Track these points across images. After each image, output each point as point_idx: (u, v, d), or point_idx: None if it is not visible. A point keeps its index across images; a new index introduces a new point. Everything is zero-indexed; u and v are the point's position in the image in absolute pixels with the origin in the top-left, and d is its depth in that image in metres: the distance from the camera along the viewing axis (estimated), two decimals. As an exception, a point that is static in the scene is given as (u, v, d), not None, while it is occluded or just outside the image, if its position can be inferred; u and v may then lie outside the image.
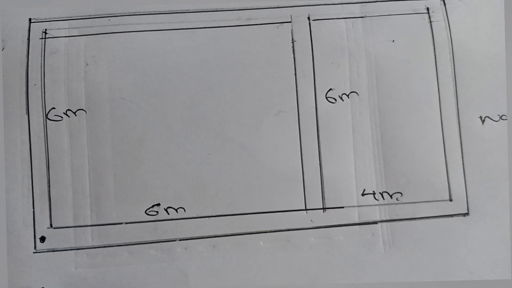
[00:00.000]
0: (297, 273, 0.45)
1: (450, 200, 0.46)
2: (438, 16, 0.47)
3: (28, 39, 0.46)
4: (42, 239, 0.45)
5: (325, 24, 0.47)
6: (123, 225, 0.45)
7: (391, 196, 0.46)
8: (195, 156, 0.46)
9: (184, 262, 0.45)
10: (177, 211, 0.45)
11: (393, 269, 0.45)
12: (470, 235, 0.46)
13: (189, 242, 0.45)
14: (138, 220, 0.45)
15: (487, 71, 0.47)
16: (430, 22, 0.47)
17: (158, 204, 0.45)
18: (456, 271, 0.45)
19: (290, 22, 0.47)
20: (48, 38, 0.46)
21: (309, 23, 0.47)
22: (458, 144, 0.46)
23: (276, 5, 0.47)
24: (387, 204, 0.46)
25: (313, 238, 0.46)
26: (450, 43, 0.47)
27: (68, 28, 0.46)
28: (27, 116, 0.46)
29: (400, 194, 0.46)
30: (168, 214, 0.45)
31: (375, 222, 0.46)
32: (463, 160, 0.46)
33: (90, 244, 0.45)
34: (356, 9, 0.47)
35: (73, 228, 0.45)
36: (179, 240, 0.45)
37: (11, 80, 0.46)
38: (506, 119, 0.46)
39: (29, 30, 0.46)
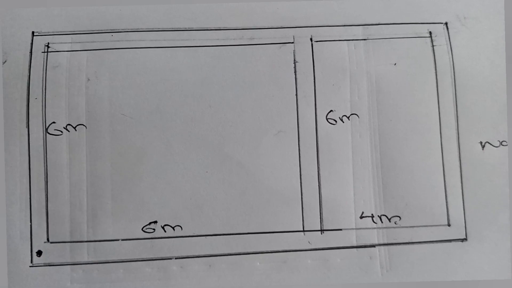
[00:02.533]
0: (293, 294, 0.48)
1: (449, 225, 0.48)
2: (440, 40, 0.50)
3: (31, 52, 0.49)
4: (39, 253, 0.47)
5: (327, 45, 0.50)
6: (119, 241, 0.47)
7: (389, 220, 0.48)
8: (193, 174, 0.48)
9: (179, 280, 0.48)
10: (174, 229, 0.48)
11: (390, 293, 0.48)
12: (468, 261, 0.48)
13: (185, 260, 0.48)
14: (134, 237, 0.48)
15: (488, 96, 0.49)
16: (433, 46, 0.50)
17: (155, 222, 0.48)
18: (452, 296, 0.48)
19: (292, 42, 0.50)
20: (50, 52, 0.49)
21: (312, 44, 0.50)
22: (458, 169, 0.49)
23: (279, 25, 0.50)
24: (386, 227, 0.48)
25: (310, 260, 0.48)
26: (452, 68, 0.49)
27: (71, 43, 0.49)
28: (27, 129, 0.48)
29: (398, 218, 0.48)
30: (165, 231, 0.48)
31: (373, 246, 0.48)
32: (462, 185, 0.49)
33: (86, 259, 0.47)
34: (358, 32, 0.50)
35: (69, 243, 0.47)
36: (175, 258, 0.48)
37: (12, 93, 0.48)
38: (507, 145, 0.49)
39: (31, 43, 0.49)
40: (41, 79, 0.49)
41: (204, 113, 0.49)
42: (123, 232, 0.48)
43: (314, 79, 0.49)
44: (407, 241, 0.48)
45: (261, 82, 0.49)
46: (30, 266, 0.47)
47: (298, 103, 0.49)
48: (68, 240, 0.48)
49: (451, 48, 0.50)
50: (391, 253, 0.48)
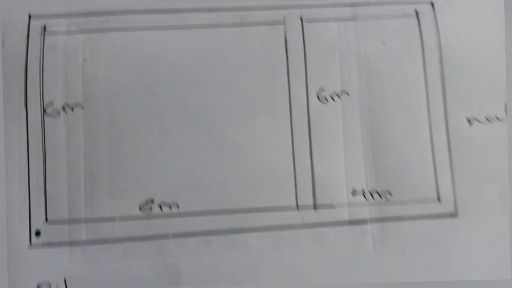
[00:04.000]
0: (288, 271, 0.50)
1: (439, 200, 0.51)
2: (427, 19, 0.53)
3: (28, 34, 0.51)
4: (38, 233, 0.50)
5: (317, 25, 0.53)
6: (117, 220, 0.50)
7: (380, 196, 0.51)
8: (189, 153, 0.51)
9: (177, 259, 0.50)
10: (170, 208, 0.50)
11: (383, 268, 0.50)
12: (459, 236, 0.51)
13: (183, 239, 0.50)
14: (132, 216, 0.50)
15: (474, 73, 0.52)
16: (419, 25, 0.53)
17: (152, 200, 0.50)
18: (445, 270, 0.50)
19: (283, 23, 0.52)
20: (47, 34, 0.51)
21: (302, 24, 0.52)
22: (446, 145, 0.51)
23: (269, 6, 0.52)
24: (377, 203, 0.51)
25: (304, 237, 0.51)
26: (439, 46, 0.52)
27: (67, 25, 0.52)
28: (25, 110, 0.50)
29: (389, 194, 0.51)
30: (162, 210, 0.50)
31: (364, 221, 0.51)
32: (450, 161, 0.51)
33: (84, 239, 0.50)
34: (347, 12, 0.53)
35: (67, 223, 0.50)
36: (172, 236, 0.50)
37: (10, 75, 0.50)
38: (494, 121, 0.51)
39: (28, 26, 0.51)
40: (39, 61, 0.51)
41: (198, 93, 0.51)
42: (121, 210, 0.50)
43: (305, 58, 0.52)
44: (398, 216, 0.51)
45: (253, 62, 0.52)
46: (29, 247, 0.49)
47: (290, 82, 0.52)
48: (66, 219, 0.50)
49: (437, 27, 0.53)
50: (383, 229, 0.51)
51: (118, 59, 0.51)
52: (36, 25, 0.52)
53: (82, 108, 0.51)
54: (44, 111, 0.50)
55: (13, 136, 0.50)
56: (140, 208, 0.50)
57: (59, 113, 0.50)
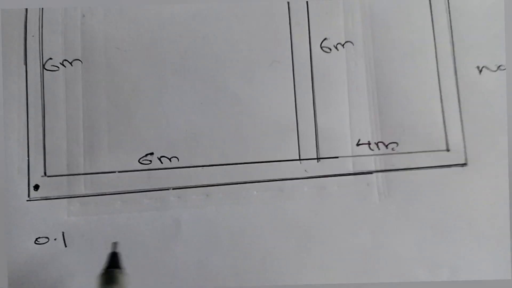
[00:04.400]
0: (290, 222, 0.49)
1: (448, 150, 0.50)
2: (433, -34, 0.52)
3: (27, -9, 0.52)
4: (36, 187, 0.50)
5: (319, -25, 0.52)
6: (116, 173, 0.50)
7: (386, 146, 0.50)
8: (188, 106, 0.50)
9: (177, 210, 0.50)
10: (170, 160, 0.50)
11: (389, 219, 0.49)
12: (468, 186, 0.49)
13: (182, 191, 0.50)
14: (131, 169, 0.50)
15: (484, 21, 0.51)
16: (426, -27, 0.52)
17: (152, 153, 0.50)
18: (453, 221, 0.49)
19: (284, -27, 0.52)
20: (46, -10, 0.52)
21: (304, -26, 0.52)
22: (455, 94, 0.50)
23: (271, -43, 0.52)
24: (383, 154, 0.50)
25: (306, 188, 0.50)
26: (446, -7, 0.51)
27: (66, -19, 0.52)
28: (24, 66, 0.51)
29: (396, 144, 0.50)
30: (162, 163, 0.50)
31: (370, 172, 0.50)
32: (460, 110, 0.50)
33: (83, 192, 0.50)
34: (351, -39, 0.52)
35: (66, 176, 0.50)
36: (172, 189, 0.50)
37: (9, 32, 0.51)
38: (505, 69, 0.50)
39: (27, -17, 0.52)
40: (38, 17, 0.51)
41: (197, 45, 0.51)
42: (120, 164, 0.50)
43: (307, 7, 0.51)
44: (405, 167, 0.50)
45: (254, 12, 0.51)
46: (27, 200, 0.49)
47: (292, 32, 0.51)
48: (65, 173, 0.50)
49: (444, -26, 0.52)
50: (389, 180, 0.50)
51: (117, 13, 0.52)
52: (35, -21, 0.52)
53: (81, 62, 0.51)
54: (43, 66, 0.50)
55: (12, 91, 0.50)
56: (139, 161, 0.50)
57: (58, 67, 0.50)
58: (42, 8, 0.52)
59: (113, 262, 0.47)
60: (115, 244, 0.49)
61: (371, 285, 0.49)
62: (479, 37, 0.51)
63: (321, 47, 0.51)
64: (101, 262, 0.48)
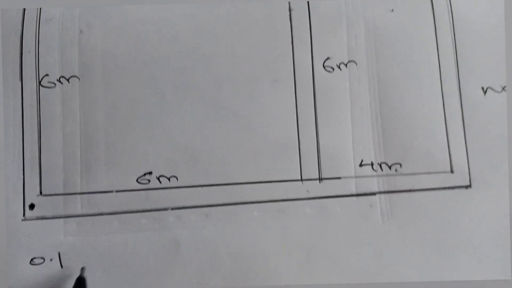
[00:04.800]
0: (291, 244, 0.49)
1: (451, 171, 0.49)
2: (438, -15, 0.52)
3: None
4: (31, 206, 0.49)
5: (322, -7, 0.52)
6: (114, 193, 0.49)
7: (389, 167, 0.49)
8: (188, 124, 0.50)
9: (176, 231, 0.49)
10: (169, 180, 0.49)
11: (391, 241, 0.49)
12: (472, 208, 0.49)
13: (181, 211, 0.49)
14: (129, 188, 0.49)
15: (488, 41, 0.51)
16: (430, -9, 0.52)
17: (150, 173, 0.49)
18: (457, 244, 0.49)
19: (287, -10, 0.52)
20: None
21: (307, -9, 0.52)
22: (460, 115, 0.50)
23: (273, -26, 0.52)
24: (386, 175, 0.49)
25: (308, 208, 0.49)
26: (450, 12, 0.51)
27: (64, -4, 0.51)
28: (20, 82, 0.50)
29: (399, 165, 0.49)
30: (160, 182, 0.49)
31: (373, 194, 0.49)
32: (464, 131, 0.50)
33: (79, 212, 0.49)
34: (354, -22, 0.52)
35: (62, 195, 0.49)
36: (171, 209, 0.49)
37: (5, 47, 0.50)
38: (509, 90, 0.50)
39: (24, -3, 0.51)
40: (34, 32, 0.51)
41: (198, 62, 0.51)
42: (118, 183, 0.49)
43: (310, 26, 0.51)
44: (408, 188, 0.49)
45: (256, 30, 0.51)
46: (22, 220, 0.49)
47: (294, 51, 0.51)
48: (61, 192, 0.49)
49: (449, -7, 0.52)
50: (392, 201, 0.49)
51: (116, 30, 0.51)
52: (32, -6, 0.51)
53: (78, 79, 0.50)
54: (40, 82, 0.50)
55: (7, 108, 0.50)
56: (137, 181, 0.49)
57: (54, 84, 0.50)
58: (39, 24, 0.51)
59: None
60: (82, 269, 0.48)
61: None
62: (484, 57, 0.51)
63: (324, 66, 0.51)
64: (97, 283, 0.47)
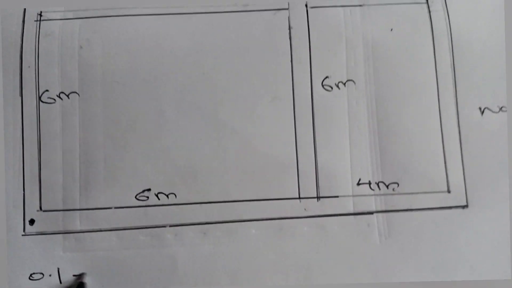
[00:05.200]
0: (289, 262, 0.50)
1: (448, 191, 0.50)
2: (437, 6, 0.52)
3: (23, 21, 0.52)
4: (32, 221, 0.50)
5: (322, 11, 0.52)
6: (113, 209, 0.50)
7: (387, 186, 0.50)
8: (187, 142, 0.50)
9: (173, 248, 0.50)
10: (168, 197, 0.50)
11: (389, 261, 0.49)
12: (469, 228, 0.50)
13: (179, 228, 0.50)
14: (127, 205, 0.50)
15: (486, 61, 0.51)
16: (429, 11, 0.52)
17: (149, 189, 0.50)
18: (454, 264, 0.50)
19: (287, 9, 0.52)
20: (43, 20, 0.51)
21: (307, 10, 0.52)
22: (457, 135, 0.51)
23: (273, -9, 0.52)
24: (383, 194, 0.50)
25: (306, 227, 0.50)
26: (449, 33, 0.52)
27: (63, 11, 0.52)
28: (20, 98, 0.50)
29: (396, 185, 0.50)
30: (159, 199, 0.50)
31: (370, 213, 0.50)
32: (461, 151, 0.50)
33: (78, 228, 0.50)
34: (354, -3, 0.52)
35: (62, 211, 0.49)
36: (169, 226, 0.50)
37: (5, 62, 0.51)
38: (506, 111, 0.50)
39: (24, 12, 0.52)
40: (34, 47, 0.51)
41: (197, 80, 0.51)
42: (116, 200, 0.50)
43: (310, 45, 0.52)
44: (406, 208, 0.50)
45: (256, 48, 0.52)
46: (22, 235, 0.49)
47: (293, 69, 0.51)
48: (61, 208, 0.50)
49: (448, 13, 0.52)
50: (389, 220, 0.50)
51: (116, 45, 0.51)
52: (31, 11, 0.52)
53: (78, 95, 0.51)
54: (40, 98, 0.50)
55: (7, 123, 0.50)
56: (136, 197, 0.50)
57: (54, 100, 0.50)
58: (39, 39, 0.51)
59: None
60: (82, 275, 0.49)
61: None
62: (481, 78, 0.51)
63: (323, 85, 0.51)
64: (96, 299, 0.48)
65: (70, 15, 0.52)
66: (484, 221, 0.50)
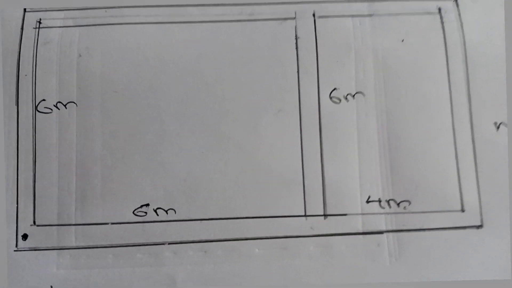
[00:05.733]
0: (294, 283, 0.47)
1: (462, 210, 0.48)
2: (450, 16, 0.50)
3: (22, 28, 0.50)
4: (25, 236, 0.48)
5: (331, 21, 0.51)
6: (109, 225, 0.48)
7: (398, 205, 0.48)
8: (188, 155, 0.49)
9: (172, 267, 0.48)
10: (167, 213, 0.48)
11: (399, 283, 0.47)
12: (484, 249, 0.48)
13: (179, 246, 0.48)
14: (125, 221, 0.48)
15: (502, 74, 0.49)
16: (442, 22, 0.50)
17: (147, 205, 0.48)
18: (468, 287, 0.47)
19: (294, 18, 0.51)
20: (42, 27, 0.50)
21: (314, 20, 0.51)
22: (471, 151, 0.49)
23: (280, 0, 0.51)
24: (394, 213, 0.48)
25: (312, 246, 0.48)
26: (463, 45, 0.50)
27: (63, 19, 0.51)
28: (16, 107, 0.49)
29: (408, 203, 0.48)
30: (158, 215, 0.48)
31: (380, 232, 0.48)
32: (476, 168, 0.48)
33: (73, 244, 0.48)
34: (364, 8, 0.51)
35: (56, 226, 0.48)
36: (168, 243, 0.48)
37: (1, 69, 0.49)
38: (524, 126, 0.49)
39: (23, 19, 0.51)
40: (32, 55, 0.50)
41: (200, 90, 0.50)
42: (113, 215, 0.48)
43: (317, 55, 0.50)
44: (417, 227, 0.48)
45: (261, 58, 0.50)
46: (14, 250, 0.47)
47: (300, 80, 0.50)
48: (55, 223, 0.48)
49: (461, 24, 0.51)
50: (400, 240, 0.48)
51: (116, 54, 0.50)
52: (31, 18, 0.51)
53: (76, 105, 0.49)
54: (36, 107, 0.49)
55: (2, 133, 0.48)
56: (134, 213, 0.48)
57: (51, 109, 0.49)
58: (37, 46, 0.50)
59: None
60: None
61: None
62: (497, 91, 0.50)
63: (330, 97, 0.50)
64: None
65: (70, 23, 0.51)
66: (499, 242, 0.48)
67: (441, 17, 0.51)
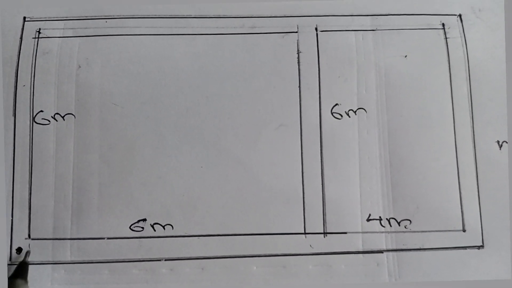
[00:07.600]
0: (292, 302, 0.47)
1: (464, 230, 0.48)
2: (454, 32, 0.50)
3: (21, 37, 0.50)
4: (19, 250, 0.47)
5: (333, 35, 0.50)
6: (105, 240, 0.47)
7: (399, 223, 0.48)
8: (187, 169, 0.48)
9: (169, 284, 0.47)
10: (164, 228, 0.48)
11: (398, 304, 0.47)
12: (485, 270, 0.47)
13: (176, 262, 0.47)
14: (121, 236, 0.48)
15: (505, 92, 0.49)
16: (446, 38, 0.50)
17: (144, 220, 0.48)
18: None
19: (296, 32, 0.50)
20: (41, 37, 0.50)
21: (317, 34, 0.50)
22: (473, 170, 0.48)
23: (282, 14, 0.50)
24: (395, 231, 0.48)
25: (311, 265, 0.47)
26: (467, 61, 0.50)
27: (63, 29, 0.50)
28: (13, 118, 0.49)
29: (408, 222, 0.48)
30: (155, 231, 0.48)
31: (380, 251, 0.47)
32: (478, 187, 0.48)
33: (68, 259, 0.47)
34: (366, 22, 0.50)
35: (51, 240, 0.47)
36: (165, 260, 0.48)
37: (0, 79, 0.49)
38: (527, 145, 0.48)
39: (22, 29, 0.50)
40: (30, 65, 0.50)
41: (200, 104, 0.49)
42: (110, 230, 0.48)
43: (319, 70, 0.50)
44: (418, 247, 0.48)
45: (262, 72, 0.50)
46: (8, 264, 0.47)
47: (301, 95, 0.50)
48: (51, 237, 0.47)
49: (465, 41, 0.50)
50: (400, 260, 0.47)
51: (116, 66, 0.50)
52: (30, 28, 0.50)
53: (74, 117, 0.49)
54: (34, 118, 0.48)
55: (-2, 144, 0.48)
56: (131, 228, 0.47)
57: (49, 121, 0.48)
58: (36, 56, 0.50)
59: (19, 272, 0.46)
60: (27, 252, 0.47)
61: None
62: (500, 109, 0.49)
63: (332, 113, 0.49)
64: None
65: (69, 33, 0.51)
66: (500, 263, 0.47)
67: (445, 33, 0.51)
